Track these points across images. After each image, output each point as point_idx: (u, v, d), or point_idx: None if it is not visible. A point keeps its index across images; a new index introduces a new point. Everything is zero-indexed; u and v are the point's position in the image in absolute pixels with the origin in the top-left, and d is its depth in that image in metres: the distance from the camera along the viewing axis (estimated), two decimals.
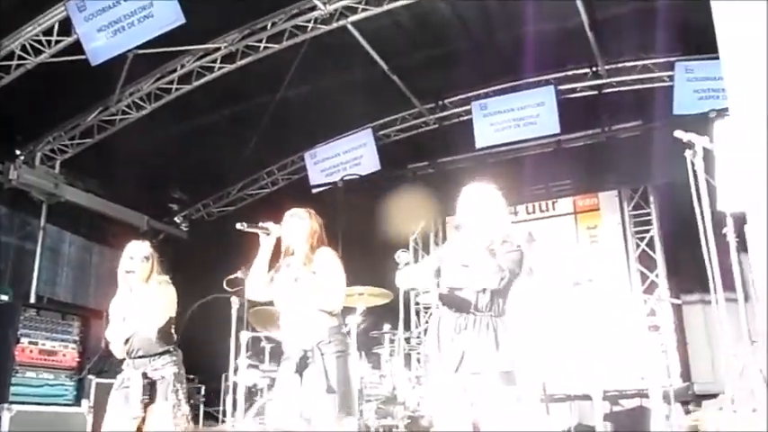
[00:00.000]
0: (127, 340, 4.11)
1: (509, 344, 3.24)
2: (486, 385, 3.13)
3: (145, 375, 4.02)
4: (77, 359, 5.92)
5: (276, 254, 3.79)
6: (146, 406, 3.98)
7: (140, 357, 4.08)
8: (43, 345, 5.69)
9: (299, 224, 3.74)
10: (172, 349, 4.18)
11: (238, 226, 3.63)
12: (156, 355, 4.09)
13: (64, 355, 5.83)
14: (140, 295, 4.15)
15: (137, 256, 4.20)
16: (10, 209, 8.18)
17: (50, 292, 8.20)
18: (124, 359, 4.15)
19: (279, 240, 3.76)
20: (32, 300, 7.74)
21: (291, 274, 3.69)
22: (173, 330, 4.26)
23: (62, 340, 5.83)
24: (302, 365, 3.49)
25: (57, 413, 5.58)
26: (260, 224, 3.69)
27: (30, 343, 5.58)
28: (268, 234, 3.67)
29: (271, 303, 4.07)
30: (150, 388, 4.00)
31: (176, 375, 4.09)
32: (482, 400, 3.14)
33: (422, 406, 6.01)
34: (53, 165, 8.52)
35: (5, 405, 5.29)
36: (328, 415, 3.40)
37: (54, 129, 8.34)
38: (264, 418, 5.39)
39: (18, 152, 8.17)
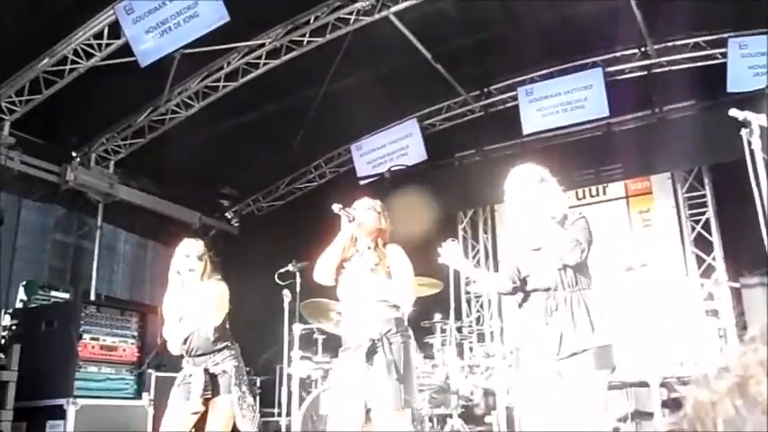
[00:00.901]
0: (185, 339, 4.20)
1: (602, 317, 3.19)
2: (583, 365, 3.09)
3: (206, 371, 4.11)
4: (137, 354, 6.08)
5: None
6: (206, 401, 4.06)
7: (200, 355, 4.16)
8: (104, 340, 5.86)
9: (371, 215, 3.80)
10: (230, 344, 4.26)
11: (335, 207, 3.72)
12: (215, 351, 4.17)
13: (124, 350, 5.99)
14: (196, 294, 4.23)
15: (193, 255, 4.27)
16: (68, 209, 8.44)
17: (108, 290, 8.44)
18: (182, 356, 4.24)
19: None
20: (92, 297, 7.99)
21: (365, 263, 3.73)
22: (227, 326, 4.34)
23: (121, 336, 5.99)
24: (370, 354, 3.53)
25: (119, 406, 5.75)
26: (347, 209, 3.75)
27: (91, 339, 5.76)
28: (352, 221, 3.72)
29: (324, 294, 4.12)
30: (212, 383, 4.09)
31: (237, 369, 4.18)
32: (575, 384, 3.10)
33: (475, 395, 6.02)
34: (107, 165, 8.74)
35: (71, 399, 5.47)
36: (391, 404, 3.44)
37: (107, 130, 8.55)
38: (319, 409, 5.45)
39: (74, 154, 8.40)
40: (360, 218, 3.74)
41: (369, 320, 3.62)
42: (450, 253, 3.41)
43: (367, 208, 3.83)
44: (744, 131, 2.83)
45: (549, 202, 3.32)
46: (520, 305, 3.40)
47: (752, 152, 2.80)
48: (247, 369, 7.93)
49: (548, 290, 3.24)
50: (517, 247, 3.41)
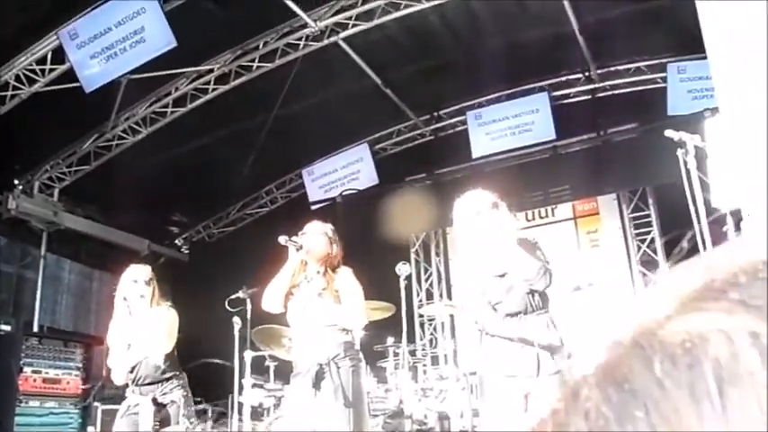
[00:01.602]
0: (132, 368, 4.09)
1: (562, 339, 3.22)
2: (555, 387, 3.10)
3: (155, 401, 4.00)
4: (81, 386, 5.90)
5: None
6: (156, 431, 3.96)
7: (148, 384, 4.06)
8: (47, 373, 5.67)
9: (321, 240, 3.76)
10: (178, 373, 4.17)
11: (281, 239, 3.69)
12: (164, 380, 4.08)
13: (68, 383, 5.81)
14: (144, 321, 4.13)
15: (141, 280, 4.19)
16: (9, 239, 8.19)
17: (51, 321, 8.18)
18: (127, 385, 4.13)
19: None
20: (35, 329, 7.73)
21: (313, 288, 3.70)
22: (176, 354, 4.25)
23: (65, 368, 5.81)
24: (318, 379, 3.49)
25: None
26: (293, 239, 3.72)
27: (33, 372, 5.57)
28: (299, 249, 3.69)
29: (275, 321, 4.07)
30: (159, 413, 3.99)
31: (186, 398, 4.08)
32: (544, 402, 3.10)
33: (429, 418, 5.99)
34: (51, 193, 8.54)
35: None
36: (342, 430, 3.39)
37: (51, 157, 8.36)
38: None
39: (16, 181, 8.18)
40: (307, 245, 3.71)
41: (317, 345, 3.58)
42: None
43: (317, 233, 3.81)
44: (680, 152, 2.91)
45: (504, 227, 3.34)
46: (485, 331, 3.38)
47: (688, 171, 2.88)
48: (198, 399, 7.79)
49: (518, 314, 3.25)
50: (479, 274, 3.38)
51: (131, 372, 4.08)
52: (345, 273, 3.78)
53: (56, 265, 8.70)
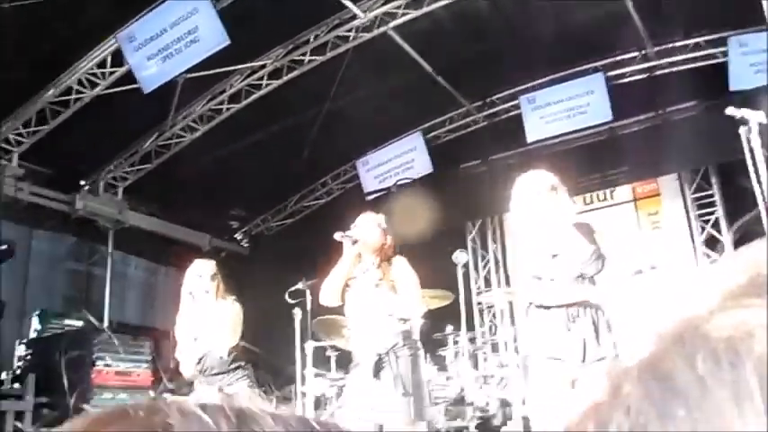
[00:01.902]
0: (199, 360, 4.21)
1: (615, 327, 3.19)
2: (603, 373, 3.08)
3: (220, 390, 4.11)
4: (151, 378, 6.10)
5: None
6: None
7: (215, 375, 4.17)
8: (117, 366, 5.88)
9: (374, 231, 3.80)
10: (243, 364, 4.27)
11: (336, 236, 3.75)
12: (229, 371, 4.18)
13: (138, 375, 6.02)
14: (210, 314, 4.24)
15: (206, 275, 4.30)
16: (78, 238, 8.49)
17: (120, 316, 8.46)
18: (194, 377, 4.25)
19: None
20: (105, 324, 8.01)
21: (370, 279, 3.74)
22: (241, 346, 4.35)
23: (135, 361, 6.02)
24: (377, 369, 3.52)
25: None
26: (347, 233, 3.77)
27: (105, 365, 5.78)
28: (354, 243, 3.74)
29: (335, 311, 4.13)
30: None
31: (251, 389, 4.17)
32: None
33: (491, 406, 5.98)
34: (116, 192, 8.81)
35: None
36: (403, 419, 3.43)
37: (114, 157, 8.62)
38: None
39: (82, 182, 8.47)
40: (362, 238, 3.75)
41: (376, 335, 3.62)
42: None
43: (369, 224, 3.84)
44: (742, 129, 2.83)
45: (561, 209, 3.32)
46: (532, 311, 3.36)
47: (751, 150, 2.80)
48: (263, 388, 7.95)
49: (560, 305, 3.23)
50: (535, 255, 3.37)
51: (198, 363, 4.20)
52: (400, 262, 3.81)
53: (122, 261, 8.99)
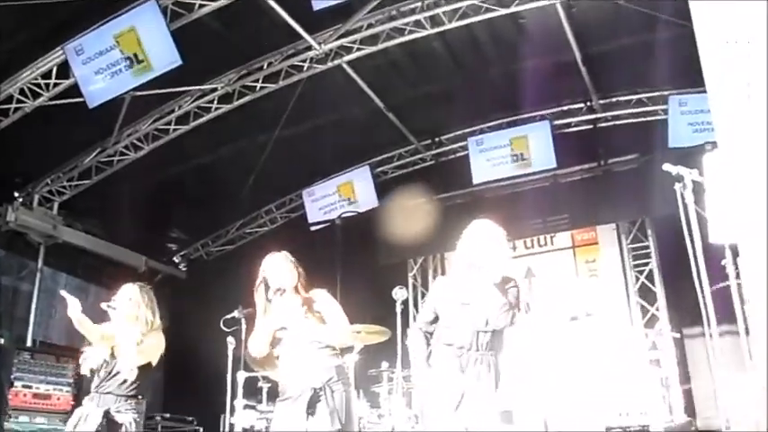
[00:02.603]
0: (103, 376, 4.07)
1: (509, 383, 3.23)
2: (485, 425, 3.11)
3: (107, 413, 3.96)
4: (71, 402, 5.84)
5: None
6: None
7: (107, 394, 4.03)
8: (37, 388, 5.63)
9: (287, 266, 3.74)
10: (140, 397, 4.14)
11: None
12: (123, 396, 4.04)
13: (58, 399, 5.76)
14: (128, 336, 4.12)
15: (122, 298, 4.22)
16: (7, 251, 8.17)
17: (44, 335, 8.13)
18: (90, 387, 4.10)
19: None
20: (28, 342, 7.69)
21: (295, 315, 3.67)
22: (148, 379, 4.22)
23: (56, 383, 5.77)
24: (312, 404, 3.46)
25: None
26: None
27: (24, 386, 5.52)
28: (282, 294, 3.66)
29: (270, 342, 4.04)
30: (108, 429, 3.94)
31: (137, 424, 4.04)
32: None
33: None
34: (51, 206, 8.53)
35: None
36: None
37: (52, 170, 8.37)
38: None
39: (16, 194, 8.18)
40: (277, 281, 3.68)
41: (310, 368, 3.55)
42: None
43: (280, 264, 3.75)
44: (677, 186, 2.92)
45: (498, 264, 3.39)
46: (427, 358, 3.44)
47: (685, 206, 2.88)
48: (190, 418, 7.74)
49: (461, 348, 3.28)
50: (448, 297, 3.43)
51: (99, 378, 4.07)
52: (321, 293, 3.75)
53: (52, 278, 8.66)
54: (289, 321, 3.64)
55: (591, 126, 8.93)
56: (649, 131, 8.53)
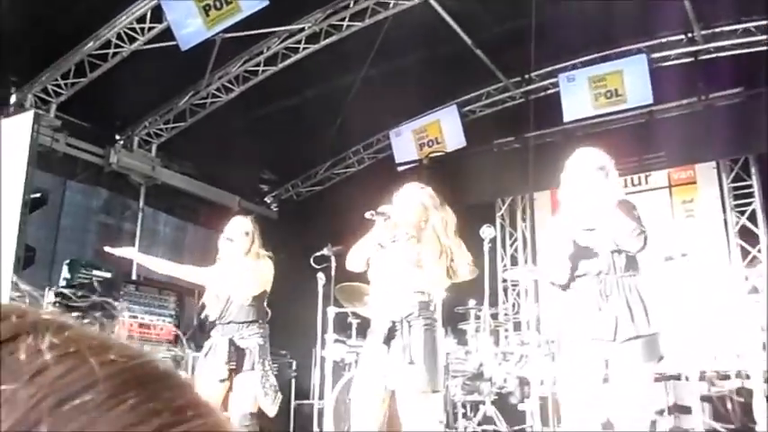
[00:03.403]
0: (222, 308, 4.27)
1: (652, 305, 3.16)
2: (636, 353, 3.05)
3: (232, 342, 4.16)
4: (173, 332, 6.19)
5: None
6: (231, 371, 4.12)
7: (230, 323, 4.23)
8: (142, 318, 5.97)
9: (412, 210, 3.69)
10: (261, 321, 4.31)
11: (367, 215, 3.66)
12: (245, 323, 4.23)
13: (161, 329, 6.11)
14: (239, 267, 4.30)
15: (241, 230, 4.37)
16: (110, 191, 8.59)
17: (148, 271, 8.53)
18: (213, 323, 4.31)
19: None
20: (133, 277, 8.13)
21: (397, 249, 3.69)
22: (265, 304, 4.39)
23: (159, 314, 6.10)
24: (389, 337, 3.51)
25: None
26: (379, 210, 3.69)
27: (130, 317, 5.88)
28: (386, 219, 3.67)
29: (359, 278, 4.14)
30: (237, 355, 4.14)
31: (261, 348, 4.22)
32: (625, 373, 3.08)
33: (509, 383, 5.97)
34: (150, 148, 8.88)
35: None
36: (413, 387, 3.40)
37: (150, 113, 8.67)
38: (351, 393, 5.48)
39: (117, 137, 8.55)
40: (395, 216, 3.66)
41: (392, 304, 3.59)
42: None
43: (410, 201, 3.72)
44: None
45: (607, 189, 3.29)
46: (565, 287, 3.34)
47: None
48: (283, 352, 8.04)
49: (599, 274, 3.19)
50: (570, 228, 3.34)
51: (220, 310, 4.27)
52: (432, 240, 3.69)
53: (152, 218, 9.08)
54: (387, 241, 3.67)
55: (691, 59, 8.45)
56: (755, 63, 8.00)
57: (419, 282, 3.60)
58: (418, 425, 3.41)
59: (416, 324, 3.48)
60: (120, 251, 4.65)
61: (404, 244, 3.68)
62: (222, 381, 4.10)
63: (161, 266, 4.80)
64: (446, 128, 9.65)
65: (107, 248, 4.53)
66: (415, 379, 3.39)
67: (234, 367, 4.12)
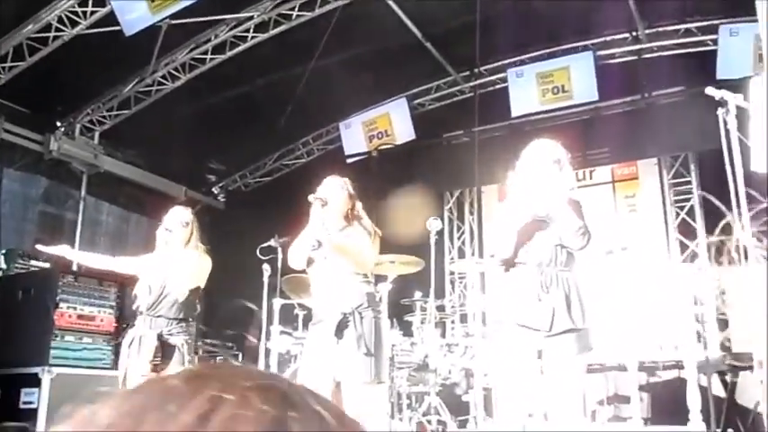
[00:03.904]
0: (154, 299, 4.20)
1: (585, 301, 3.21)
2: (569, 345, 3.10)
3: (159, 336, 4.10)
4: (114, 324, 6.06)
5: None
6: (155, 367, 4.06)
7: (160, 317, 4.16)
8: (82, 310, 5.83)
9: (341, 194, 3.80)
10: (190, 320, 4.26)
11: (310, 198, 3.76)
12: (175, 319, 4.17)
13: (102, 320, 5.97)
14: (175, 259, 4.23)
15: (175, 221, 4.30)
16: (51, 180, 8.35)
17: None
18: (141, 312, 4.23)
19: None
20: (74, 268, 7.93)
21: (332, 233, 3.75)
22: (197, 301, 4.33)
23: (100, 305, 5.97)
24: (341, 328, 3.53)
25: (95, 376, 5.73)
26: (317, 195, 3.77)
27: (69, 308, 5.73)
28: (324, 205, 3.72)
29: (304, 271, 4.14)
30: (164, 351, 4.09)
31: (189, 346, 4.17)
32: (558, 364, 3.12)
33: (453, 374, 6.03)
34: (92, 136, 8.66)
35: (46, 368, 5.45)
36: (362, 378, 3.44)
37: (93, 100, 8.45)
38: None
39: (58, 123, 8.31)
40: (330, 199, 3.76)
41: (339, 294, 3.62)
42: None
43: (335, 187, 3.85)
44: (720, 111, 2.81)
45: (560, 182, 3.34)
46: (507, 265, 3.37)
47: (727, 132, 2.79)
48: (229, 344, 7.95)
49: (539, 264, 3.23)
50: (519, 213, 3.37)
51: (150, 301, 4.19)
52: (358, 225, 3.82)
53: (94, 207, 8.86)
54: (323, 236, 3.72)
55: (635, 57, 8.63)
56: (697, 63, 8.22)
57: (360, 267, 3.66)
58: (364, 415, 3.44)
59: (367, 315, 3.56)
60: (53, 249, 4.52)
61: (337, 235, 3.75)
62: (144, 376, 4.04)
63: (95, 261, 4.72)
64: (396, 120, 9.67)
65: (39, 246, 4.40)
66: (362, 370, 3.44)
67: (158, 362, 4.06)
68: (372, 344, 3.50)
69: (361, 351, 3.46)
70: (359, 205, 3.91)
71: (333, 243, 3.66)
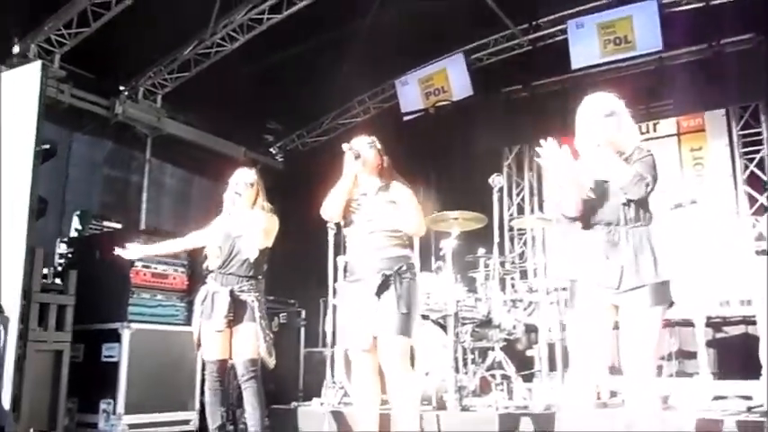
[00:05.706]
0: (225, 258, 4.31)
1: (661, 253, 3.17)
2: (641, 300, 3.08)
3: (232, 293, 4.22)
4: (186, 282, 6.27)
5: None
6: (229, 323, 4.19)
7: (231, 275, 4.27)
8: (155, 268, 6.04)
9: (370, 151, 3.88)
10: (260, 277, 4.36)
11: (344, 146, 3.84)
12: (245, 276, 4.28)
13: (174, 279, 6.18)
14: (244, 219, 4.33)
15: (241, 183, 4.39)
16: (116, 143, 8.56)
17: (155, 222, 8.60)
18: (212, 271, 4.36)
19: None
20: (142, 228, 8.19)
21: (371, 200, 3.82)
22: (265, 260, 4.43)
23: (172, 264, 6.17)
24: (382, 289, 3.68)
25: (170, 332, 5.97)
26: (353, 146, 3.83)
27: (143, 266, 5.94)
28: (357, 157, 3.78)
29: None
30: (236, 307, 4.21)
31: (259, 303, 4.28)
32: (631, 319, 3.12)
33: (517, 329, 6.05)
34: (155, 99, 8.82)
35: (125, 323, 5.70)
36: (397, 334, 3.64)
37: (154, 63, 8.58)
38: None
39: (122, 87, 8.49)
40: (363, 154, 3.81)
41: (380, 255, 3.76)
42: (550, 153, 3.21)
43: (365, 145, 3.89)
44: None
45: (617, 135, 3.27)
46: (573, 221, 3.34)
47: None
48: (291, 301, 8.11)
49: (609, 224, 3.20)
50: (585, 176, 3.33)
51: (222, 260, 4.31)
52: (398, 185, 3.88)
53: (159, 170, 9.07)
54: (365, 187, 3.84)
55: (702, 3, 8.30)
56: (766, 8, 7.86)
57: (399, 223, 3.79)
58: (400, 369, 3.67)
59: (406, 278, 3.72)
60: (125, 253, 4.69)
61: (374, 193, 3.85)
62: (219, 332, 4.18)
63: (168, 247, 4.84)
64: (453, 76, 9.55)
65: (118, 251, 4.64)
66: (399, 326, 3.63)
67: (232, 318, 4.19)
68: (409, 304, 3.67)
69: (400, 310, 3.63)
70: (388, 162, 3.96)
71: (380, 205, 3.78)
